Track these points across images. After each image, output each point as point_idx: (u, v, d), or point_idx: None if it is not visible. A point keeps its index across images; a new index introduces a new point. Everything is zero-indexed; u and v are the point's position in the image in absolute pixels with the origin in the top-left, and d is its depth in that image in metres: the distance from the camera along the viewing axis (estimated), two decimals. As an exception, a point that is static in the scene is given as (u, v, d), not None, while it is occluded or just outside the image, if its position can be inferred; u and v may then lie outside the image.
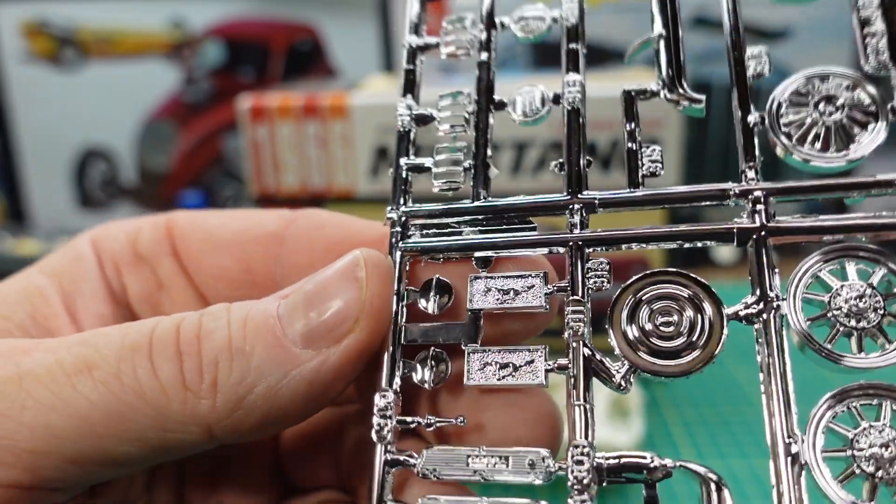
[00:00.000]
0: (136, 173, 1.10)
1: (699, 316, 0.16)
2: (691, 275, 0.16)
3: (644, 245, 0.17)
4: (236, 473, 0.21)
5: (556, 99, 0.18)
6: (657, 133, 0.45)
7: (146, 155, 1.09)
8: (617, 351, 0.17)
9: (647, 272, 0.17)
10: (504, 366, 0.17)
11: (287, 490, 0.22)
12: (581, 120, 0.18)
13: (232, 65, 1.07)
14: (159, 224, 0.22)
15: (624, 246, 0.17)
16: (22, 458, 0.15)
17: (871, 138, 0.16)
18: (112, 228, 0.21)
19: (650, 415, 0.45)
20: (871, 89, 0.16)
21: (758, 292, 0.16)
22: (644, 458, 0.16)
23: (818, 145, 0.16)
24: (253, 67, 1.06)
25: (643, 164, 0.17)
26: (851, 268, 0.15)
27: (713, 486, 0.16)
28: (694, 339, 0.16)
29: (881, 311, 0.15)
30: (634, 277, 0.17)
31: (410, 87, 0.19)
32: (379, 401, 0.17)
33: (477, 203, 0.18)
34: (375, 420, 0.17)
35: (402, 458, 0.17)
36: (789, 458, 0.15)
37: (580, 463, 0.16)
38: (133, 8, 1.06)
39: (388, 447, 0.17)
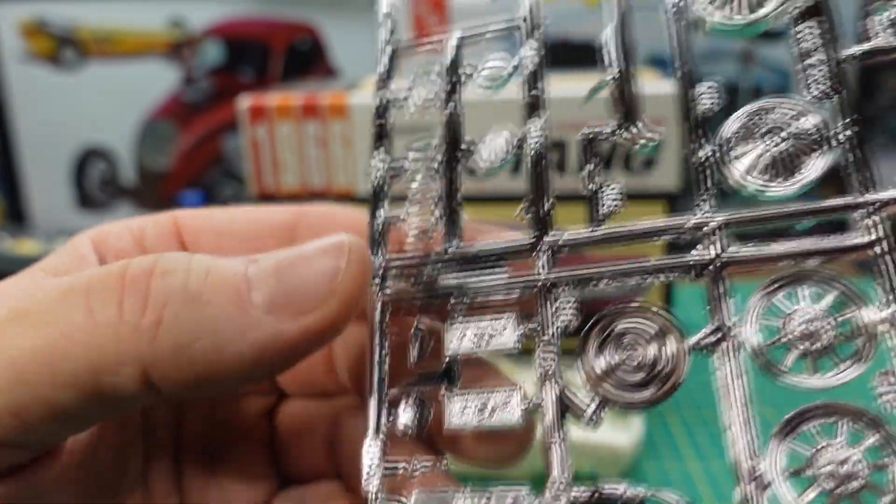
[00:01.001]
0: (136, 173, 1.10)
1: (662, 349, 0.17)
2: (655, 308, 0.17)
3: (610, 281, 0.17)
4: (233, 464, 0.21)
5: (520, 144, 0.19)
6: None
7: (146, 155, 1.09)
8: (586, 386, 0.17)
9: (615, 308, 0.17)
10: (482, 408, 0.18)
11: (284, 481, 0.22)
12: (544, 163, 0.18)
13: (232, 64, 1.07)
14: (164, 221, 0.21)
15: (591, 284, 0.18)
16: None
17: (817, 164, 0.16)
18: (114, 228, 0.21)
19: (651, 416, 0.45)
20: (815, 118, 0.16)
21: (716, 322, 0.17)
22: (617, 489, 0.17)
23: (768, 175, 0.16)
24: (253, 67, 1.06)
25: (604, 204, 0.18)
26: (803, 292, 0.16)
27: None
28: (658, 370, 0.17)
29: (833, 333, 0.16)
30: (602, 313, 0.17)
31: (381, 140, 0.20)
32: (366, 458, 0.18)
33: (450, 251, 0.19)
34: (365, 475, 0.18)
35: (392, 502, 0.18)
36: (753, 482, 0.15)
37: (557, 499, 0.18)
38: (132, 8, 1.06)
39: (379, 497, 0.17)
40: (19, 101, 1.10)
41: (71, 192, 1.12)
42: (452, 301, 0.18)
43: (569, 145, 0.46)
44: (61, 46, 1.08)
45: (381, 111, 0.20)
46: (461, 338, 0.18)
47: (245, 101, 0.50)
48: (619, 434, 0.39)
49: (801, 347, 0.16)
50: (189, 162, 1.09)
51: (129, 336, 0.15)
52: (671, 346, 0.17)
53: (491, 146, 0.19)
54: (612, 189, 0.18)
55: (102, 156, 1.11)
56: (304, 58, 1.04)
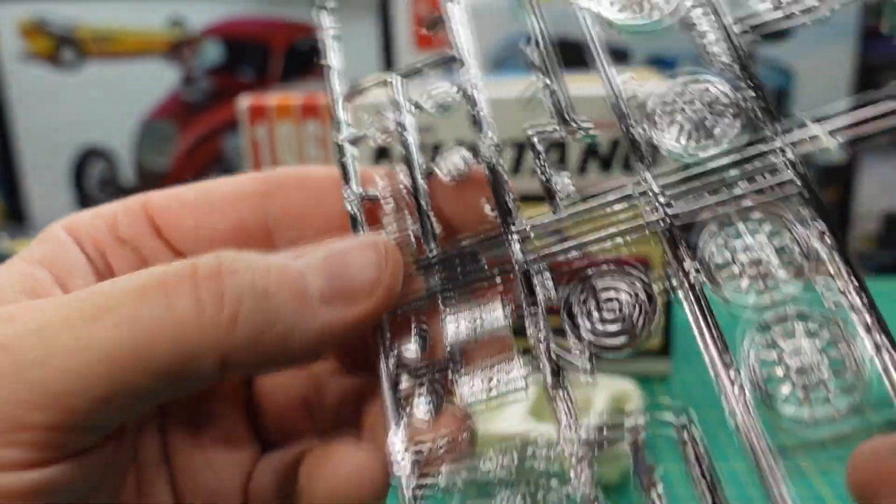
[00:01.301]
0: (135, 173, 1.10)
1: (637, 297, 0.19)
2: (627, 262, 0.19)
3: (577, 252, 0.20)
4: (216, 432, 0.22)
5: (475, 155, 0.21)
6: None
7: (145, 155, 1.09)
8: (573, 340, 0.19)
9: (591, 272, 0.20)
10: (489, 381, 0.20)
11: (266, 446, 0.23)
12: (500, 170, 0.21)
13: (231, 64, 1.07)
14: (134, 206, 0.22)
15: (562, 257, 0.20)
16: (57, 401, 0.15)
17: (734, 123, 0.19)
18: (84, 216, 0.22)
19: (651, 416, 0.45)
20: (723, 86, 0.19)
21: (678, 270, 0.19)
22: (620, 419, 0.20)
23: (693, 139, 0.19)
24: (252, 67, 1.06)
25: (559, 190, 0.20)
26: (743, 227, 0.18)
27: (683, 430, 0.19)
28: (633, 318, 0.19)
29: (775, 259, 0.18)
30: (580, 277, 0.20)
31: (347, 177, 0.22)
32: (393, 449, 0.19)
33: (430, 255, 0.21)
34: (395, 465, 0.19)
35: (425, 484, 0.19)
36: (734, 381, 0.18)
37: (569, 440, 0.19)
38: (132, 7, 1.06)
39: (413, 481, 0.19)
40: (19, 101, 1.10)
41: (70, 193, 1.12)
42: (442, 297, 0.20)
43: (569, 145, 0.46)
44: (61, 46, 1.08)
45: (342, 153, 0.23)
46: (457, 326, 0.20)
47: (245, 101, 0.50)
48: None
49: (748, 273, 0.18)
50: (189, 162, 1.09)
51: (210, 329, 0.16)
52: (642, 294, 0.19)
53: (449, 162, 0.21)
54: (563, 176, 0.20)
55: (102, 156, 1.11)
56: (303, 58, 1.04)
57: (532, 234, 0.20)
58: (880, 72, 0.92)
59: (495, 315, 0.20)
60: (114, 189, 1.11)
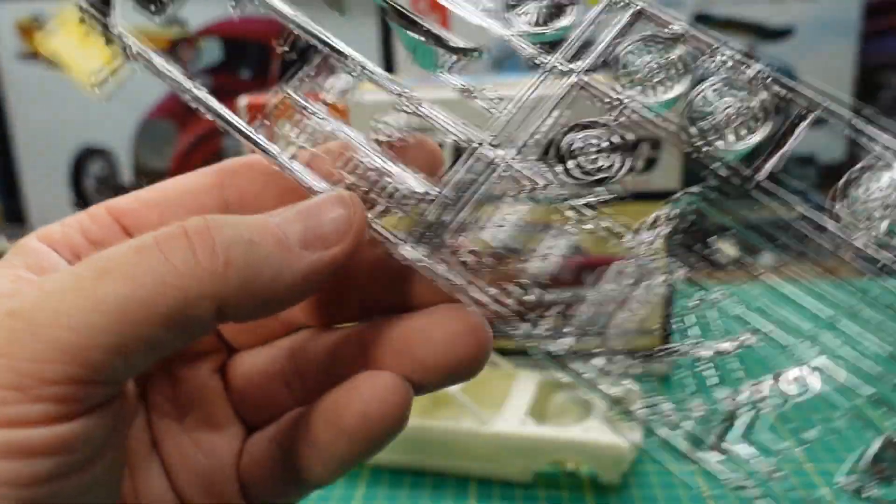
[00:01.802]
0: (134, 173, 1.10)
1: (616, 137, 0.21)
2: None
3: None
4: (200, 418, 0.23)
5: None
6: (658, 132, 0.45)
7: (144, 154, 1.09)
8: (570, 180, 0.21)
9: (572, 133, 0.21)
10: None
11: (250, 428, 0.24)
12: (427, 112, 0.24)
13: (230, 63, 1.07)
14: (99, 212, 0.23)
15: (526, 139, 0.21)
16: (74, 355, 0.16)
17: None
18: (53, 227, 0.23)
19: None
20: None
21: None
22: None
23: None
24: (251, 66, 1.06)
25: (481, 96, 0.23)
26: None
27: None
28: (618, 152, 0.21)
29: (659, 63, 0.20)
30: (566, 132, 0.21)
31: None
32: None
33: (435, 196, 0.22)
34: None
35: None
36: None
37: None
38: (129, 5, 1.06)
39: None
40: (17, 101, 1.10)
41: (69, 193, 1.12)
42: (461, 223, 0.22)
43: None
44: (59, 45, 1.08)
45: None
46: (495, 232, 0.22)
47: (244, 100, 0.50)
48: (619, 434, 0.39)
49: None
50: (188, 161, 1.09)
51: (206, 276, 0.18)
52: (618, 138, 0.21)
53: (388, 123, 0.24)
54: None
55: (100, 155, 1.10)
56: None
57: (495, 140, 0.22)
58: (880, 72, 0.92)
59: (516, 208, 0.22)
60: (112, 188, 1.10)
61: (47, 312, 0.17)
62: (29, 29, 1.08)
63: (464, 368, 0.21)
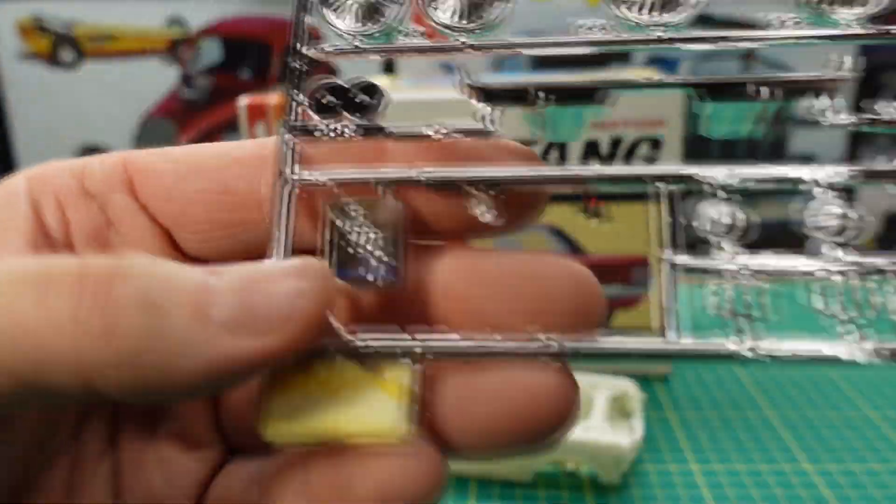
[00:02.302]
0: (135, 172, 1.10)
1: None
2: None
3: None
4: (173, 428, 0.20)
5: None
6: (658, 132, 0.45)
7: (144, 154, 1.09)
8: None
9: None
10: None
11: (231, 451, 0.20)
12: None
13: (230, 63, 1.07)
14: (112, 160, 0.20)
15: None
16: None
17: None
18: (55, 164, 0.20)
19: (651, 416, 0.45)
20: None
21: None
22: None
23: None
24: (251, 66, 1.06)
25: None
26: None
27: None
28: None
29: None
30: None
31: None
32: None
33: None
34: None
35: None
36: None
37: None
38: (130, 6, 1.06)
39: None
40: (17, 101, 1.10)
41: (69, 192, 1.12)
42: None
43: (569, 144, 0.46)
44: (59, 45, 1.08)
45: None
46: None
47: (244, 100, 0.50)
48: (620, 434, 0.39)
49: None
50: (188, 161, 1.09)
51: (80, 337, 0.14)
52: None
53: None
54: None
55: (101, 155, 1.11)
56: (303, 57, 1.04)
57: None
58: (881, 72, 0.92)
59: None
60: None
61: None
62: (31, 30, 1.08)
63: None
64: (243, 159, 0.20)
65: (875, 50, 0.90)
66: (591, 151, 0.48)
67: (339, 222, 0.18)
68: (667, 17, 0.18)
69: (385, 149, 0.19)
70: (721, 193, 0.17)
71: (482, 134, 0.18)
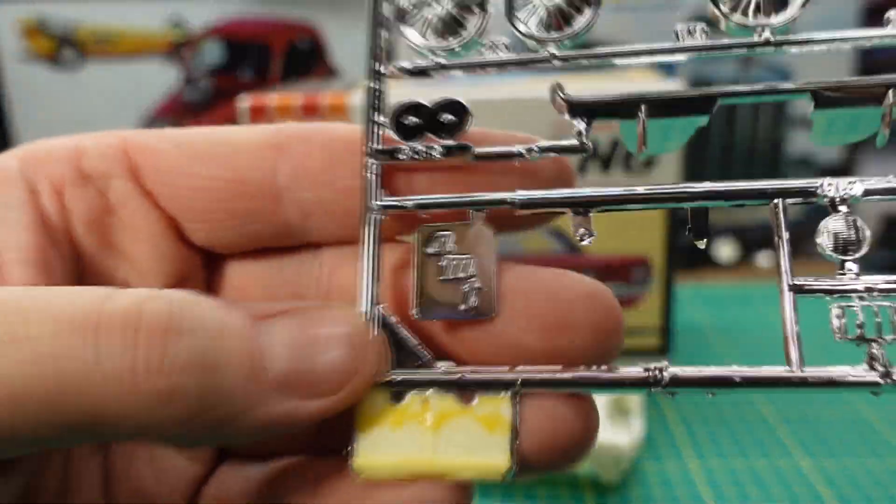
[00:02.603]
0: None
1: None
2: None
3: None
4: None
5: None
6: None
7: (145, 155, 1.09)
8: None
9: None
10: None
11: (222, 455, 0.20)
12: None
13: (232, 64, 1.07)
14: (108, 140, 0.19)
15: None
16: None
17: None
18: (47, 144, 0.18)
19: (651, 415, 0.45)
20: None
21: None
22: None
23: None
24: (253, 67, 1.06)
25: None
26: None
27: None
28: None
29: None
30: None
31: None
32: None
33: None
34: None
35: None
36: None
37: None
38: (132, 8, 1.06)
39: None
40: (19, 102, 1.10)
41: (71, 192, 1.12)
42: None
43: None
44: (61, 46, 1.08)
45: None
46: None
47: (245, 101, 0.50)
48: (620, 434, 0.39)
49: None
50: (189, 162, 1.09)
51: (140, 399, 0.14)
52: None
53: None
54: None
55: (102, 156, 1.11)
56: (303, 58, 1.04)
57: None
58: (880, 72, 0.92)
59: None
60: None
61: None
62: (33, 31, 1.08)
63: None
64: (255, 146, 0.19)
65: (874, 50, 0.90)
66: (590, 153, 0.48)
67: (428, 249, 0.18)
68: (773, 20, 0.16)
69: (470, 169, 0.18)
70: (843, 208, 0.16)
71: (576, 151, 0.18)
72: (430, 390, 0.17)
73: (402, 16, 0.19)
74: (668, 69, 0.93)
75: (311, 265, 0.20)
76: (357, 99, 0.49)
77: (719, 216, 0.96)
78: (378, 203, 0.18)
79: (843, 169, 0.98)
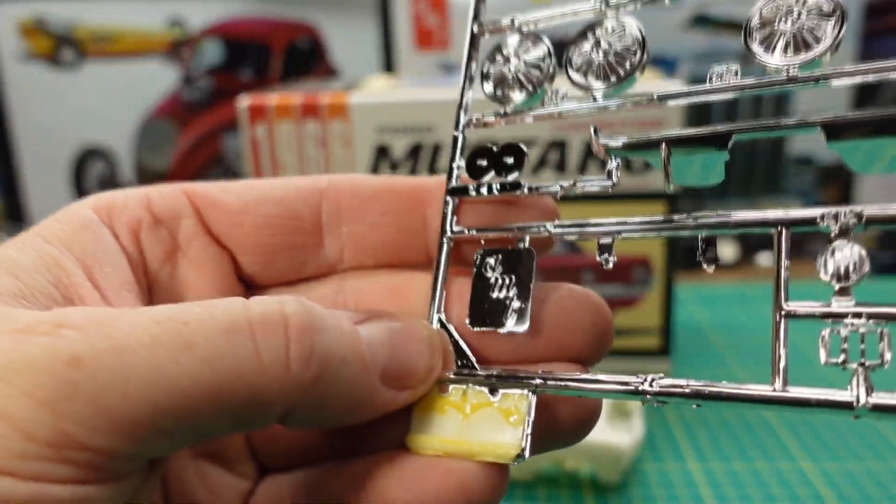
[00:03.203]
0: (135, 173, 1.10)
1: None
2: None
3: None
4: (209, 448, 0.21)
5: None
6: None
7: (145, 154, 1.09)
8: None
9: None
10: None
11: (263, 469, 0.22)
12: None
13: (231, 64, 1.07)
14: (171, 190, 0.22)
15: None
16: (123, 429, 0.15)
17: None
18: (117, 194, 0.22)
19: (651, 416, 0.45)
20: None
21: None
22: None
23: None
24: (252, 67, 1.06)
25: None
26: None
27: None
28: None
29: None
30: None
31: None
32: None
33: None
34: None
35: None
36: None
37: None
38: (131, 7, 1.06)
39: None
40: (18, 101, 1.10)
41: (70, 193, 1.12)
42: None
43: (569, 145, 0.46)
44: (60, 46, 1.08)
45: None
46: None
47: (244, 101, 0.50)
48: (620, 434, 0.39)
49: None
50: (188, 161, 1.09)
51: (291, 385, 0.16)
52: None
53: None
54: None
55: (101, 155, 1.10)
56: (303, 57, 1.04)
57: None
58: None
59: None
60: (113, 189, 1.10)
61: (111, 374, 0.15)
62: (32, 31, 1.08)
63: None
64: (302, 189, 0.22)
65: (874, 50, 0.90)
66: (590, 151, 0.48)
67: (483, 271, 0.21)
68: (800, 57, 0.18)
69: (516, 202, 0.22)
70: (844, 236, 0.17)
71: (608, 186, 0.20)
72: (469, 385, 0.20)
73: (485, 76, 0.23)
74: (668, 69, 0.93)
75: (338, 289, 0.23)
76: (356, 99, 0.49)
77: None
78: (453, 231, 0.22)
79: (843, 169, 0.98)
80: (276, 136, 0.50)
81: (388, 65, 0.96)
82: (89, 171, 1.11)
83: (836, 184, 0.98)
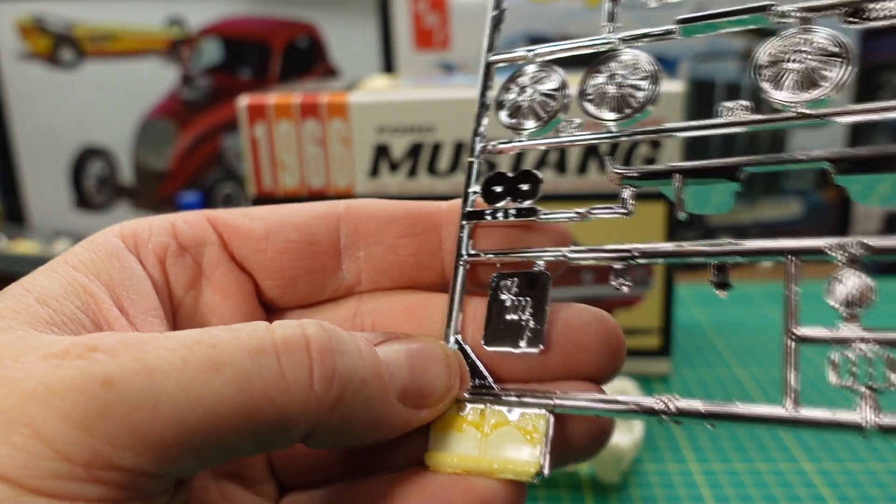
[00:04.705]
0: (134, 173, 1.09)
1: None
2: None
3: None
4: (231, 468, 0.22)
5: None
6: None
7: (144, 154, 1.09)
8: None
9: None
10: None
11: (283, 488, 0.22)
12: None
13: (230, 63, 1.07)
14: (194, 217, 0.23)
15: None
16: (153, 449, 0.15)
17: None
18: (140, 222, 0.22)
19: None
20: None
21: None
22: None
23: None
24: (251, 66, 1.06)
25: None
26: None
27: None
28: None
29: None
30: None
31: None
32: None
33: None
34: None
35: None
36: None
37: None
38: (130, 6, 1.06)
39: None
40: (17, 101, 1.10)
41: (69, 192, 1.11)
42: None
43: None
44: (59, 45, 1.08)
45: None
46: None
47: (244, 100, 0.50)
48: (620, 434, 0.39)
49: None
50: (188, 161, 1.08)
51: (314, 405, 0.17)
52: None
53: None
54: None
55: (100, 155, 1.10)
56: (303, 57, 1.04)
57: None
58: (881, 72, 0.92)
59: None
60: (112, 189, 1.10)
61: (142, 394, 0.15)
62: (30, 30, 1.08)
63: None
64: (321, 215, 0.23)
65: (874, 50, 0.90)
66: (590, 151, 0.48)
67: (499, 293, 0.22)
68: (807, 95, 0.18)
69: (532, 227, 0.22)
70: (853, 265, 0.17)
71: (623, 214, 0.21)
72: (487, 404, 0.20)
73: (500, 105, 0.23)
74: (668, 69, 0.93)
75: (356, 310, 0.23)
76: (355, 98, 0.49)
77: (719, 216, 0.95)
78: (469, 254, 0.22)
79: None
80: (275, 136, 0.50)
81: (388, 64, 0.96)
82: (88, 172, 1.11)
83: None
